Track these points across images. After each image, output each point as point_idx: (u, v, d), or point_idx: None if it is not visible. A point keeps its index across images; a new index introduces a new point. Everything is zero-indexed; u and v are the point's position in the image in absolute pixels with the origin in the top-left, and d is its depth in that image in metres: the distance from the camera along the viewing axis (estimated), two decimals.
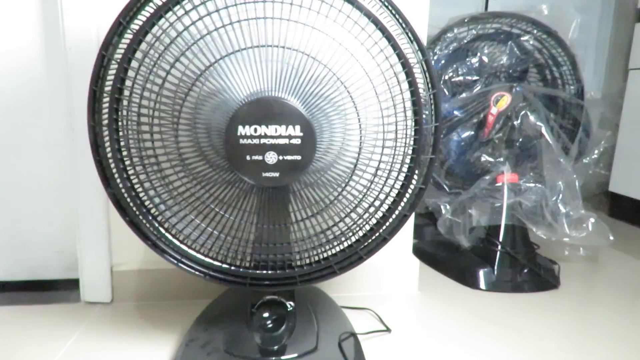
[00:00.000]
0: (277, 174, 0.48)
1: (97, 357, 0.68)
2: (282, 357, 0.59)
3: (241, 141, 0.47)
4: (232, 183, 0.50)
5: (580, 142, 1.07)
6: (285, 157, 0.48)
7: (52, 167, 0.89)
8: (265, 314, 0.59)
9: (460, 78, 1.04)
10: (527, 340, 0.75)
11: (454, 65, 1.05)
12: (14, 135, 0.88)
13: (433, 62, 1.06)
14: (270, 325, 0.59)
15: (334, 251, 0.56)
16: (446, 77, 1.05)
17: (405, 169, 0.52)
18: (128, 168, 0.50)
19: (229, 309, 0.73)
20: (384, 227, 0.55)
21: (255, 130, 0.47)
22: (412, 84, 0.49)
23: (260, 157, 0.48)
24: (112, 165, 0.50)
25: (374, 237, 0.55)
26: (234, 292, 0.78)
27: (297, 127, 0.47)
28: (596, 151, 1.09)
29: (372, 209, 0.54)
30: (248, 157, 0.47)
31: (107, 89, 0.48)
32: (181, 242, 0.53)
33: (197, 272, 0.54)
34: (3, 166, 0.89)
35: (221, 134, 0.47)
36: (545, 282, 0.97)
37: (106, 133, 0.48)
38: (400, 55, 0.48)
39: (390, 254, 0.92)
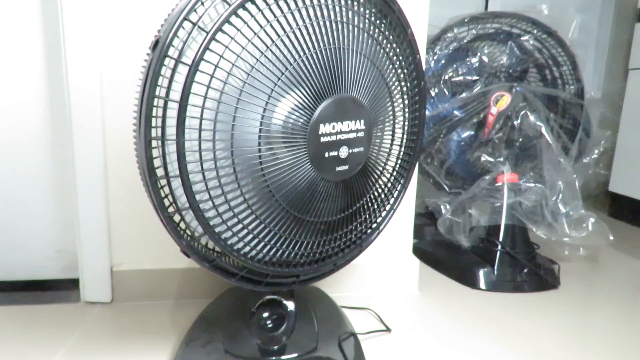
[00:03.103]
0: (346, 167, 0.52)
1: (97, 357, 0.68)
2: (282, 357, 0.59)
3: (322, 139, 0.48)
4: (309, 182, 0.50)
5: (580, 142, 1.07)
6: (354, 150, 0.51)
7: (52, 167, 0.89)
8: (265, 314, 0.60)
9: (460, 78, 1.04)
10: (527, 340, 0.75)
11: (454, 65, 1.05)
12: (14, 136, 0.88)
13: (433, 62, 1.06)
14: (270, 325, 0.59)
15: (365, 231, 0.61)
16: (446, 77, 1.05)
17: (408, 150, 0.61)
18: (194, 185, 0.44)
19: (229, 309, 0.73)
20: (392, 200, 0.62)
21: (334, 127, 0.49)
22: (415, 78, 0.58)
23: (336, 153, 0.50)
24: (173, 184, 0.44)
25: (387, 211, 0.62)
26: (234, 292, 0.78)
27: (362, 121, 0.51)
28: (596, 151, 1.09)
29: (392, 187, 0.61)
30: (327, 154, 0.49)
31: (173, 96, 0.42)
32: (245, 255, 0.50)
33: (254, 283, 0.54)
34: (3, 166, 0.89)
35: (304, 135, 0.47)
36: (545, 282, 0.97)
37: (171, 146, 0.42)
38: (410, 54, 0.56)
39: (390, 253, 0.92)
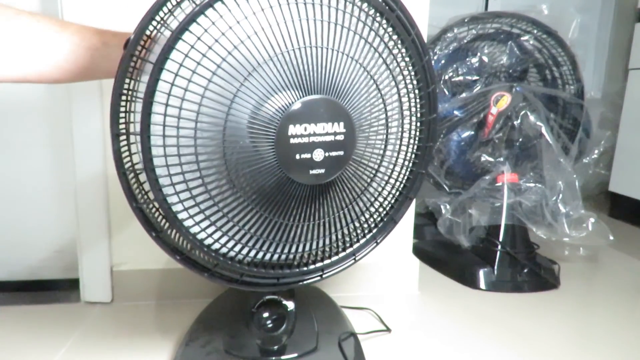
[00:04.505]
0: (322, 171, 0.50)
1: (97, 357, 0.68)
2: (282, 357, 0.59)
3: (292, 140, 0.47)
4: (277, 184, 0.49)
5: (580, 142, 1.07)
6: (331, 153, 0.49)
7: (52, 167, 0.89)
8: (265, 314, 0.59)
9: (460, 78, 1.04)
10: (527, 340, 0.75)
11: (454, 65, 1.05)
12: (13, 135, 0.88)
13: (433, 62, 1.06)
14: (270, 325, 0.59)
15: (355, 240, 0.58)
16: (446, 77, 1.05)
17: (413, 157, 0.57)
18: (160, 178, 0.46)
19: (229, 309, 0.73)
20: (393, 211, 0.58)
21: (305, 128, 0.48)
22: (420, 81, 0.54)
23: (308, 155, 0.48)
24: (140, 177, 0.46)
25: (386, 222, 0.59)
26: (234, 292, 0.78)
27: (342, 124, 0.49)
28: (596, 151, 1.09)
29: (390, 196, 0.58)
30: (297, 156, 0.48)
31: (139, 93, 0.44)
32: (216, 252, 0.51)
33: (229, 281, 0.53)
34: (3, 166, 0.89)
35: (271, 135, 0.47)
36: (545, 282, 0.97)
37: (133, 141, 0.44)
38: (412, 55, 0.53)
39: (390, 254, 0.92)
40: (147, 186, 0.47)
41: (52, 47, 0.52)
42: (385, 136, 0.55)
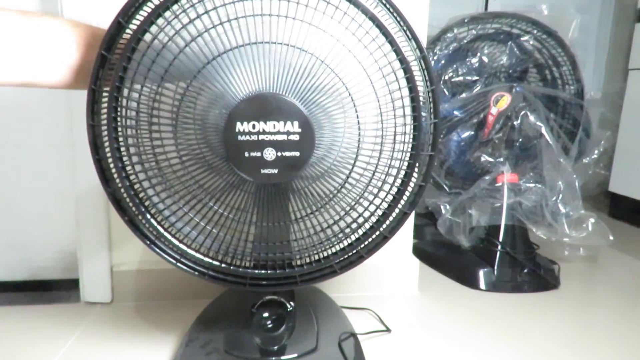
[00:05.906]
0: (275, 171, 0.48)
1: (97, 357, 0.69)
2: (282, 357, 0.59)
3: (239, 137, 0.47)
4: (231, 181, 0.50)
5: (580, 142, 1.07)
6: (284, 154, 0.48)
7: (52, 167, 0.89)
8: (265, 314, 0.60)
9: (460, 78, 1.04)
10: (527, 340, 0.75)
11: (454, 65, 1.05)
12: (14, 135, 0.88)
13: (433, 62, 1.06)
14: (270, 325, 0.59)
15: (334, 250, 0.55)
16: (446, 77, 1.05)
17: (404, 166, 0.52)
18: (127, 167, 0.49)
19: (229, 309, 0.73)
20: (385, 226, 0.54)
21: (254, 126, 0.47)
22: (410, 80, 0.48)
23: (258, 154, 0.47)
24: (111, 165, 0.49)
25: (374, 236, 0.55)
26: (234, 292, 0.78)
27: (296, 123, 0.47)
28: (596, 151, 1.09)
29: (372, 207, 0.54)
30: (246, 154, 0.47)
31: (107, 88, 0.47)
32: (180, 241, 0.52)
33: (196, 272, 0.54)
34: (3, 166, 0.89)
35: (219, 131, 0.47)
36: (545, 282, 0.97)
37: (105, 132, 0.48)
38: (398, 52, 0.48)
39: (390, 254, 0.92)
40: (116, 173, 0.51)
41: (64, 49, 0.50)
42: (357, 141, 0.50)
